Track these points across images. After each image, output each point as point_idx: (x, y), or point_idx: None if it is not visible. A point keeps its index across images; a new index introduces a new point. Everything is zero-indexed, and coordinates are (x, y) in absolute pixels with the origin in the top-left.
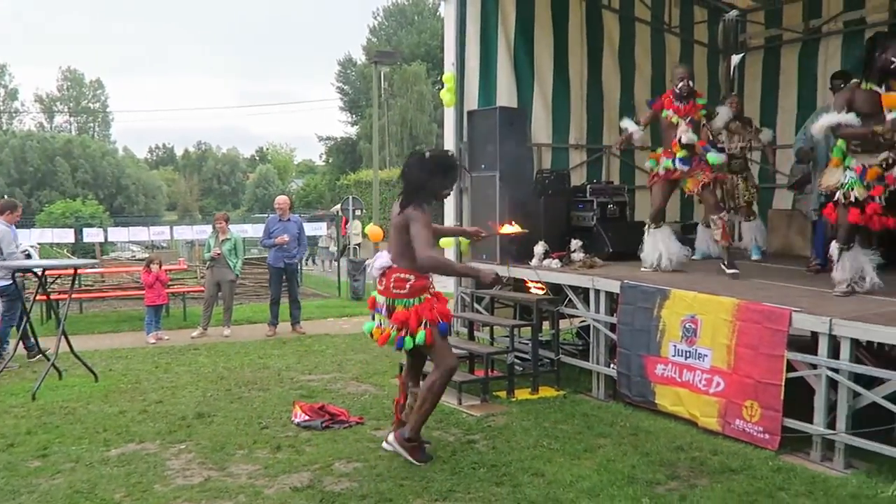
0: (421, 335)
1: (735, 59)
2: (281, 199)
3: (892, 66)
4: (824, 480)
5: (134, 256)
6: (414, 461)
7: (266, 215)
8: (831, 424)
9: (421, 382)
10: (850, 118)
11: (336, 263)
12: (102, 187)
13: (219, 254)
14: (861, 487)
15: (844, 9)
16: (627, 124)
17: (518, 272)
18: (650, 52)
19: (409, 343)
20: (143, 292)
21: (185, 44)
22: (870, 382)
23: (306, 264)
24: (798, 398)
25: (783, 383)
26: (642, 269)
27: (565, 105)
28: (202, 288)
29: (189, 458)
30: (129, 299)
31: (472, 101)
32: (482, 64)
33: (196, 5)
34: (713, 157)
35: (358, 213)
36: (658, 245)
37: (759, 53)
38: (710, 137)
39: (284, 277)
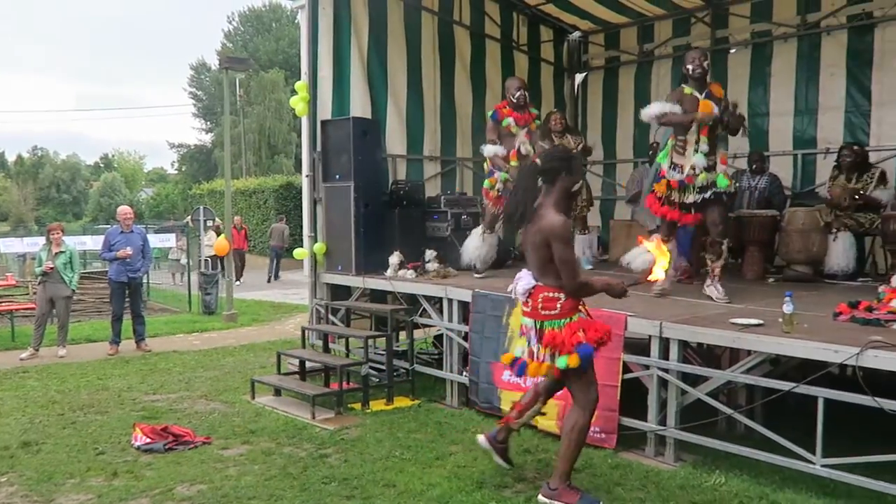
0: (563, 360)
1: (578, 77)
2: (123, 210)
3: (689, 72)
4: (657, 474)
5: None
6: None
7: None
8: (663, 421)
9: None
10: (677, 108)
11: (186, 276)
12: None
13: (52, 268)
14: (688, 479)
15: (673, 35)
16: (491, 149)
17: (373, 283)
18: (500, 69)
19: (562, 363)
20: None
21: (16, 40)
22: (696, 380)
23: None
24: (636, 398)
25: (619, 384)
26: (475, 274)
27: (419, 117)
28: (34, 305)
29: (10, 491)
30: None
31: (325, 111)
32: (336, 74)
33: None
34: None
35: (210, 223)
36: (481, 249)
37: (599, 73)
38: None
39: (128, 292)
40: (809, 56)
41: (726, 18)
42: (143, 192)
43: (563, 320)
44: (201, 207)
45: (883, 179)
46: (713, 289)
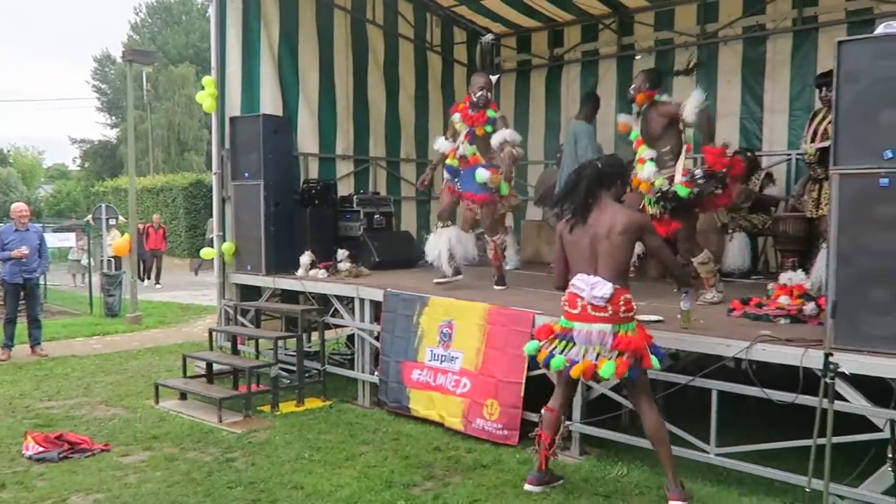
0: (640, 361)
1: (492, 79)
2: (18, 207)
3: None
4: (563, 467)
5: None
6: None
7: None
8: (569, 416)
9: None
10: None
11: (88, 277)
12: None
13: None
14: (592, 471)
15: (581, 40)
16: (439, 145)
17: (284, 283)
18: (414, 69)
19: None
20: None
21: None
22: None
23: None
24: (548, 394)
25: (524, 381)
26: (435, 280)
27: (332, 115)
28: None
29: None
30: None
31: (234, 108)
32: (245, 70)
33: None
34: (479, 175)
35: (113, 222)
36: (440, 244)
37: (512, 75)
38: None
39: (23, 294)
40: (708, 64)
41: (632, 26)
42: (41, 189)
43: (634, 322)
44: (103, 205)
45: (770, 178)
46: (704, 296)
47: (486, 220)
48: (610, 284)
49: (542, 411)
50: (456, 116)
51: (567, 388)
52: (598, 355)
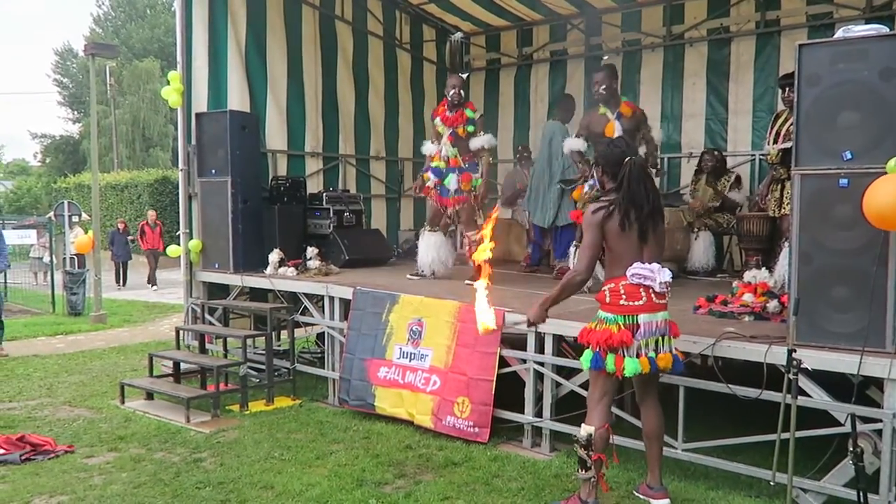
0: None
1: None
2: None
3: (596, 94)
4: (533, 464)
5: None
6: None
7: None
8: (539, 413)
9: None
10: (579, 143)
11: (50, 275)
12: None
13: None
14: (562, 468)
15: (550, 40)
16: (427, 149)
17: (252, 281)
18: (383, 66)
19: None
20: None
21: None
22: (570, 373)
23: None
24: (517, 392)
25: (495, 378)
26: (408, 275)
27: (301, 112)
28: None
29: None
30: None
31: (201, 104)
32: (212, 66)
33: None
34: (450, 178)
35: (76, 219)
36: (430, 250)
37: (481, 74)
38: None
39: None
40: (674, 65)
41: (600, 26)
42: (0, 186)
43: None
44: (66, 202)
45: (738, 183)
46: None
47: (463, 215)
48: (667, 269)
49: (594, 432)
50: (437, 120)
51: (613, 395)
52: (657, 344)
